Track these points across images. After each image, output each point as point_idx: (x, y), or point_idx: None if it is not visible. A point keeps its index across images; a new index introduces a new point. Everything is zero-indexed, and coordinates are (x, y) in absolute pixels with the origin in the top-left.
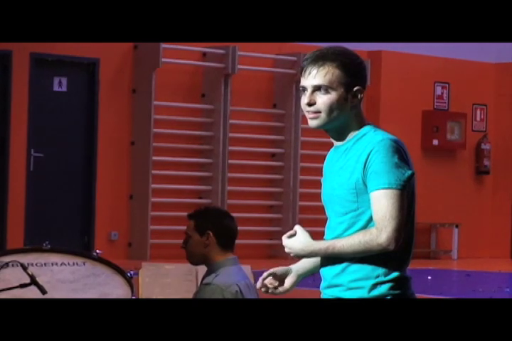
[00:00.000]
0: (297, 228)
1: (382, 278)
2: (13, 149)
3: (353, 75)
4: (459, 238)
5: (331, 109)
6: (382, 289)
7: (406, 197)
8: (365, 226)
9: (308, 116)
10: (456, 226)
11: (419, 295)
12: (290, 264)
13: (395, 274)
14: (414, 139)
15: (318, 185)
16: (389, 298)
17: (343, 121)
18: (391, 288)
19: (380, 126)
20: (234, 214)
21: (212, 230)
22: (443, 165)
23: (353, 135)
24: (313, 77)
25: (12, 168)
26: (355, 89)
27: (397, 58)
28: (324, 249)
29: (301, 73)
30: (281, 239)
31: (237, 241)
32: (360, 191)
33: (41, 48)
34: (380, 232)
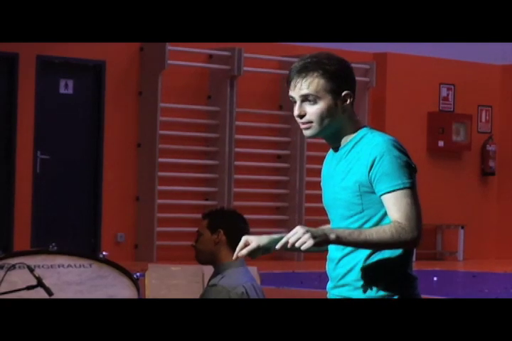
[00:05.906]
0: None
1: (388, 277)
2: (20, 151)
3: (338, 81)
4: (464, 239)
5: (322, 117)
6: (389, 288)
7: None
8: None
9: (301, 126)
10: (462, 227)
11: (424, 296)
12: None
13: (401, 273)
14: (419, 141)
15: None
16: (396, 297)
17: (337, 126)
18: (398, 287)
19: (386, 127)
20: None
21: (224, 229)
22: (448, 166)
23: (349, 138)
24: (299, 88)
25: (18, 170)
26: (343, 94)
27: (403, 60)
28: (349, 233)
29: (287, 84)
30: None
31: None
32: (364, 193)
33: (47, 50)
34: (413, 230)
